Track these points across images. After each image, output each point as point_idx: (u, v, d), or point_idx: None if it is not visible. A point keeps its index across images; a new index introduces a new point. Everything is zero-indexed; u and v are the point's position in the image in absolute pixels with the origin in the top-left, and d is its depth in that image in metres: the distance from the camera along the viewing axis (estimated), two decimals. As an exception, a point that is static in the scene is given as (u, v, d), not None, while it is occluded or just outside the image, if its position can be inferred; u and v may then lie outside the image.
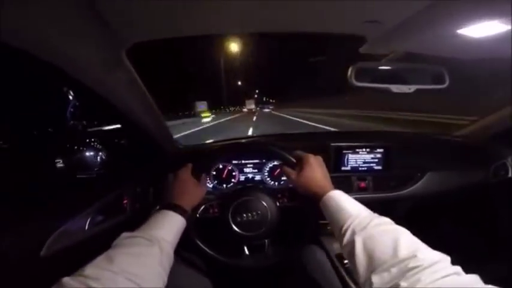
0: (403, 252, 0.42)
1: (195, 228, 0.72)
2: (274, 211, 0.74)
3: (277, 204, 0.76)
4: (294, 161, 0.71)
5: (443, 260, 0.40)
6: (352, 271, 0.51)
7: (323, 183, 0.64)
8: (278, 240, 0.77)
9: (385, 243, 0.44)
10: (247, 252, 0.75)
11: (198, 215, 0.77)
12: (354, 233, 0.49)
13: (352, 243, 0.48)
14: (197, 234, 0.73)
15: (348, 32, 0.58)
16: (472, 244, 1.20)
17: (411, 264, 0.39)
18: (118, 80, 0.61)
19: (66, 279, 0.39)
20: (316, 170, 0.66)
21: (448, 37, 0.56)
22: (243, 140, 1.23)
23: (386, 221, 0.51)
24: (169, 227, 0.57)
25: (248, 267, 0.75)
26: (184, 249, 0.72)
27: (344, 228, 0.52)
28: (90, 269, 0.42)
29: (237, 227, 0.73)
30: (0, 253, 0.49)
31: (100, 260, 0.45)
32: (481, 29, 0.51)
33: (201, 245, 0.72)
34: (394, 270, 0.40)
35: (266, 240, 0.76)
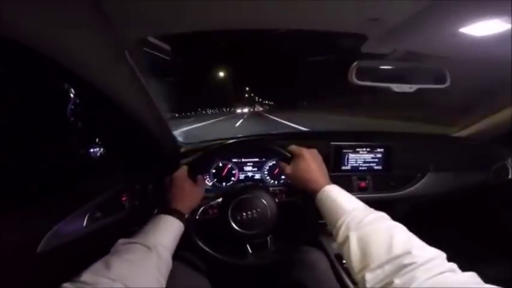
0: (397, 249, 0.41)
1: (196, 231, 0.72)
2: (273, 208, 0.74)
3: (276, 200, 0.76)
4: (289, 155, 0.70)
5: (438, 256, 0.39)
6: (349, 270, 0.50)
7: (317, 177, 0.62)
8: (279, 236, 0.76)
9: (380, 240, 0.44)
10: (250, 250, 0.74)
11: (197, 217, 0.76)
12: (348, 229, 0.48)
13: (347, 239, 0.48)
14: (198, 236, 0.72)
15: (350, 30, 0.58)
16: (471, 247, 1.20)
17: (405, 261, 0.38)
18: (120, 78, 0.61)
19: (65, 286, 0.40)
20: (310, 164, 0.65)
21: (449, 36, 0.55)
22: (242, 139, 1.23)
23: (381, 216, 0.50)
24: (167, 232, 0.57)
25: (250, 266, 0.74)
26: (185, 250, 0.72)
27: (338, 223, 0.51)
28: (87, 276, 0.42)
29: (237, 225, 0.72)
30: None
31: (97, 266, 0.45)
32: (482, 28, 0.51)
33: (203, 246, 0.71)
34: (387, 267, 0.39)
35: (268, 238, 0.75)
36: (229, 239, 0.74)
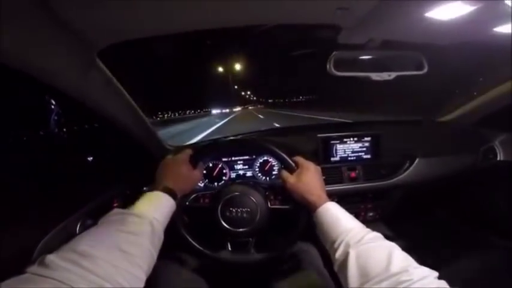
0: (396, 267, 0.44)
1: (183, 216, 0.71)
2: (264, 211, 0.74)
3: (269, 205, 0.76)
4: (293, 165, 0.71)
5: (431, 275, 0.42)
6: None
7: (320, 193, 0.64)
8: (263, 241, 0.76)
9: (379, 258, 0.46)
10: (229, 248, 0.74)
11: (187, 203, 0.76)
12: (348, 246, 0.50)
13: (345, 255, 0.49)
14: (183, 222, 0.72)
15: (322, 22, 0.59)
16: (464, 230, 1.21)
17: (403, 278, 0.41)
18: (94, 85, 0.61)
19: (51, 257, 0.36)
20: (315, 178, 0.67)
21: (417, 21, 0.57)
22: (237, 137, 1.23)
23: (379, 236, 0.53)
24: (160, 208, 0.57)
25: (229, 262, 0.74)
26: (172, 247, 0.72)
27: (338, 241, 0.53)
28: (82, 245, 0.39)
29: (224, 221, 0.72)
30: None
31: (93, 235, 0.44)
32: (446, 11, 0.53)
33: (185, 233, 0.72)
34: (386, 283, 0.42)
35: (250, 239, 0.75)
36: (213, 232, 0.74)
